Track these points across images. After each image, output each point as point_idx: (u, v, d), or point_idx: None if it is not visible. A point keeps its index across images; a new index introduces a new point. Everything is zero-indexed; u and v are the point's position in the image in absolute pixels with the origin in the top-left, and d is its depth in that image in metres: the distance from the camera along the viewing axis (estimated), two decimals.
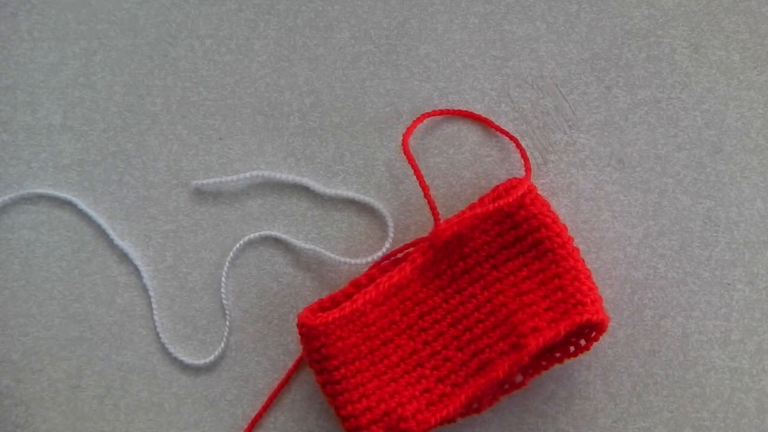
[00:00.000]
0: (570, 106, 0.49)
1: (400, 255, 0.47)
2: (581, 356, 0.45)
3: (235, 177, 0.49)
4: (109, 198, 0.50)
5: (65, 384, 0.48)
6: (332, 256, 0.48)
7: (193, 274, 0.49)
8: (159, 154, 0.50)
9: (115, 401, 0.48)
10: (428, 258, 0.45)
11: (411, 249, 0.47)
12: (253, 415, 0.47)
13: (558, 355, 0.45)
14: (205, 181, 0.49)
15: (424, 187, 0.45)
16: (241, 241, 0.48)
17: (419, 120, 0.48)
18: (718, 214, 0.48)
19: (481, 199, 0.46)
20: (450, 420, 0.45)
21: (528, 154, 0.48)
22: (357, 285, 0.46)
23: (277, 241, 0.49)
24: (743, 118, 0.48)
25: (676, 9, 0.49)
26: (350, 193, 0.49)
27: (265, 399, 0.48)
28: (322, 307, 0.45)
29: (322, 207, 0.49)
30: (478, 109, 0.49)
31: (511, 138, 0.48)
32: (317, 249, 0.48)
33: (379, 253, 0.47)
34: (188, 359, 0.48)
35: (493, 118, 0.49)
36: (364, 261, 0.47)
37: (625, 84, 0.49)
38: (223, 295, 0.48)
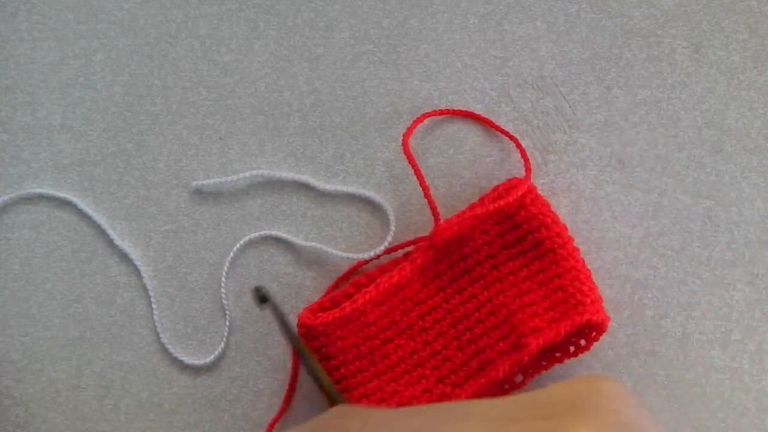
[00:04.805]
0: (570, 106, 0.49)
1: (400, 252, 0.47)
2: (581, 356, 0.45)
3: (235, 177, 0.49)
4: (109, 198, 0.50)
5: (65, 384, 0.48)
6: (333, 251, 0.48)
7: (193, 274, 0.49)
8: (159, 154, 0.50)
9: (115, 401, 0.48)
10: (428, 258, 0.45)
11: (411, 248, 0.47)
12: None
13: (558, 355, 0.45)
14: (205, 182, 0.49)
15: (424, 187, 0.45)
16: (242, 242, 0.48)
17: (419, 120, 0.48)
18: (718, 214, 0.48)
19: (481, 199, 0.46)
20: None
21: (528, 154, 0.48)
22: (357, 285, 0.46)
23: (277, 241, 0.49)
24: (743, 118, 0.48)
25: (676, 9, 0.49)
26: (351, 189, 0.48)
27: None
28: (322, 307, 0.45)
29: (322, 207, 0.49)
30: (478, 109, 0.49)
31: (511, 138, 0.48)
32: (318, 246, 0.48)
33: (381, 248, 0.47)
34: (188, 359, 0.48)
35: (493, 118, 0.49)
36: (366, 255, 0.47)
37: (625, 84, 0.49)
38: (223, 295, 0.48)
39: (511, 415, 0.30)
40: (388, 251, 0.47)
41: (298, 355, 0.42)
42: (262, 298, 0.41)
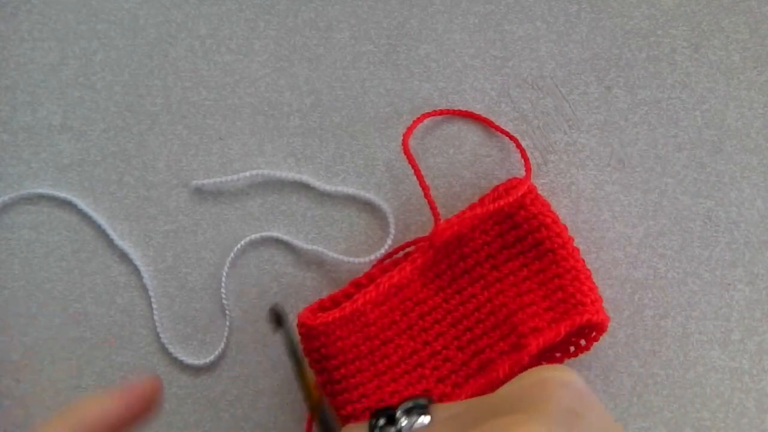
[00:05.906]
0: (570, 106, 0.49)
1: (400, 254, 0.47)
2: (581, 356, 0.45)
3: (235, 177, 0.49)
4: (109, 198, 0.50)
5: (65, 384, 0.48)
6: (334, 255, 0.48)
7: (193, 274, 0.49)
8: (159, 154, 0.50)
9: None
10: (428, 258, 0.45)
11: (411, 248, 0.47)
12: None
13: (558, 355, 0.45)
14: (205, 181, 0.49)
15: (424, 187, 0.45)
16: (242, 242, 0.48)
17: (419, 120, 0.48)
18: (718, 214, 0.48)
19: (481, 199, 0.46)
20: None
21: (528, 154, 0.48)
22: (357, 285, 0.46)
23: (277, 241, 0.49)
24: (743, 118, 0.48)
25: (676, 9, 0.49)
26: (351, 190, 0.49)
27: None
28: (322, 307, 0.45)
29: (322, 207, 0.49)
30: (478, 109, 0.49)
31: (511, 138, 0.48)
32: (319, 249, 0.48)
33: (381, 251, 0.47)
34: (188, 359, 0.48)
35: (493, 118, 0.49)
36: (367, 260, 0.47)
37: (625, 84, 0.49)
38: (223, 295, 0.48)
39: (471, 416, 0.30)
40: (387, 255, 0.47)
41: (302, 388, 0.39)
42: (277, 320, 0.37)
